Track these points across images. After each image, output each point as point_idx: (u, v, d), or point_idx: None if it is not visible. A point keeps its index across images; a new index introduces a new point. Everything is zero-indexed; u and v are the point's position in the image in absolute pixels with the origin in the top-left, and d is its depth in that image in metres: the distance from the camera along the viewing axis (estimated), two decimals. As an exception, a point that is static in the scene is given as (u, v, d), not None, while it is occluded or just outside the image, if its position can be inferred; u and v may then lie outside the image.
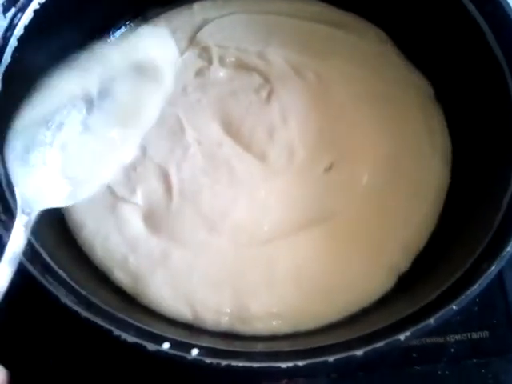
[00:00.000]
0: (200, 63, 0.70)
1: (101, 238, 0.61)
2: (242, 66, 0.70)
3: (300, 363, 0.47)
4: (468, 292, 0.49)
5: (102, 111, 0.63)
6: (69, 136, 0.61)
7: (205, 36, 0.71)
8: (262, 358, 0.48)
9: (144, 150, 0.64)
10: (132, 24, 0.73)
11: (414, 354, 0.62)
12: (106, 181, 0.63)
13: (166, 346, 0.47)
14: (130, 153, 0.64)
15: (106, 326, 0.47)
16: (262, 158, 0.65)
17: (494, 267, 0.50)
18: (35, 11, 0.60)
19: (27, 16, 0.59)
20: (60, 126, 0.60)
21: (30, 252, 0.51)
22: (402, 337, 0.48)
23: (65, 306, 0.48)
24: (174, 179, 0.63)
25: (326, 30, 0.71)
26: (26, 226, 0.52)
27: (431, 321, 0.48)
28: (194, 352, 0.47)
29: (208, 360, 0.47)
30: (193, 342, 0.49)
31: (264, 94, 0.68)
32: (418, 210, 0.63)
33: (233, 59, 0.70)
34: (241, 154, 0.65)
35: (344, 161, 0.65)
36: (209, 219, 0.61)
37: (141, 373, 0.61)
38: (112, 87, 0.63)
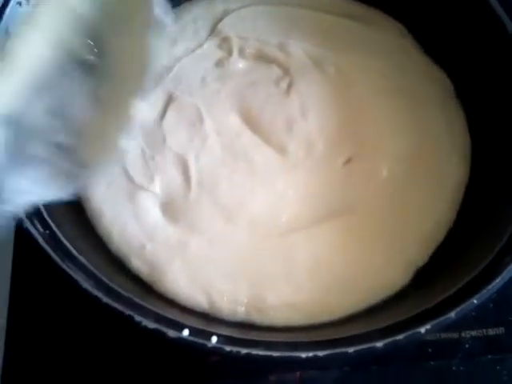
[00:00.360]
0: (220, 54, 0.70)
1: (119, 226, 0.61)
2: (261, 58, 0.70)
3: (320, 353, 0.47)
4: (490, 286, 0.49)
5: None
6: None
7: (225, 26, 0.71)
8: (282, 348, 0.48)
9: (163, 139, 0.64)
10: (153, 13, 0.73)
11: (429, 349, 0.62)
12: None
13: (185, 333, 0.47)
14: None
15: (127, 311, 0.47)
16: (280, 149, 0.64)
17: (516, 261, 0.50)
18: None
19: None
20: None
21: (51, 238, 0.51)
22: (422, 329, 0.48)
23: (85, 292, 0.48)
24: (193, 169, 0.63)
25: (347, 24, 0.72)
26: None
27: (452, 314, 0.48)
28: (214, 340, 0.47)
29: (228, 348, 0.47)
30: (210, 329, 0.49)
31: (283, 86, 0.68)
32: (436, 205, 0.63)
33: (253, 51, 0.70)
34: (259, 146, 0.65)
35: (363, 154, 0.64)
36: (226, 210, 0.61)
37: (151, 360, 0.62)
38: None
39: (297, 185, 0.63)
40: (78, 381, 0.61)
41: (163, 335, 0.47)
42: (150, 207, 0.62)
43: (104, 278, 0.51)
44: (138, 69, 0.53)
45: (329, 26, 0.71)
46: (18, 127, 0.49)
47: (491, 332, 0.63)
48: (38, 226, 0.51)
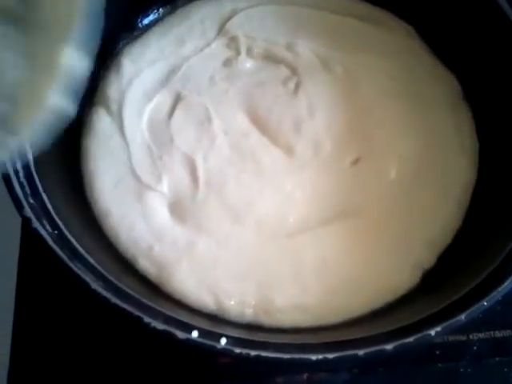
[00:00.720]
0: (228, 53, 0.70)
1: (126, 225, 0.61)
2: (269, 58, 0.70)
3: (330, 356, 0.46)
4: (500, 288, 0.49)
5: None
6: None
7: (234, 26, 0.71)
8: (291, 350, 0.47)
9: (171, 139, 0.64)
10: (161, 12, 0.73)
11: (436, 352, 0.62)
12: None
13: (195, 334, 0.47)
14: None
15: (136, 312, 0.47)
16: (288, 150, 0.64)
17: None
18: (66, -4, 0.59)
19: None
20: None
21: (59, 237, 0.51)
22: (432, 332, 0.47)
23: (94, 293, 0.48)
24: (201, 169, 0.63)
25: (355, 24, 0.71)
26: None
27: (462, 317, 0.48)
28: (223, 341, 0.47)
29: (237, 350, 0.47)
30: (219, 331, 0.49)
31: (291, 86, 0.68)
32: (444, 207, 0.63)
33: (261, 50, 0.70)
34: (267, 146, 0.65)
35: (371, 155, 0.64)
36: (234, 210, 0.61)
37: (159, 361, 0.61)
38: None
39: (304, 185, 0.63)
40: (85, 382, 0.61)
41: (172, 336, 0.47)
42: (158, 207, 0.61)
43: (113, 279, 0.51)
44: (66, 13, 0.46)
45: (336, 26, 0.71)
46: None
47: (498, 334, 0.63)
48: (47, 227, 0.50)
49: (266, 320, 0.58)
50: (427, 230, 0.62)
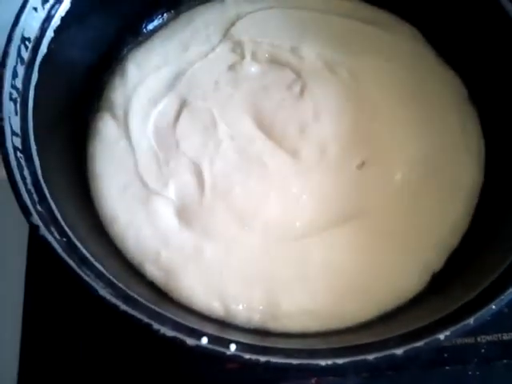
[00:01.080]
0: (233, 58, 0.70)
1: (133, 231, 0.61)
2: (274, 62, 0.70)
3: (339, 361, 0.46)
4: (508, 291, 0.49)
5: None
6: None
7: (238, 30, 0.71)
8: (300, 355, 0.47)
9: (177, 144, 0.64)
10: (165, 17, 0.73)
11: (445, 354, 0.62)
12: None
13: (204, 340, 0.47)
14: None
15: (146, 319, 0.47)
16: (294, 154, 0.64)
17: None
18: (72, 2, 0.60)
19: (64, 7, 0.60)
20: None
21: (67, 244, 0.51)
22: (441, 336, 0.47)
23: (103, 300, 0.48)
24: (207, 174, 0.63)
25: (360, 27, 0.71)
26: None
27: (471, 320, 0.48)
28: (233, 347, 0.47)
29: (247, 356, 0.46)
30: (227, 337, 0.49)
31: (296, 89, 0.68)
32: (451, 209, 0.63)
33: (266, 54, 0.70)
34: (273, 150, 0.65)
35: (377, 158, 0.64)
36: (241, 215, 0.61)
37: (165, 365, 0.62)
38: None
39: (311, 189, 0.63)
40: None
41: (181, 343, 0.47)
42: (165, 212, 0.61)
43: (121, 285, 0.51)
44: None
45: (341, 29, 0.71)
46: None
47: (506, 337, 0.63)
48: (55, 234, 0.50)
49: (273, 325, 0.57)
50: (435, 232, 0.62)
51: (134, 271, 0.60)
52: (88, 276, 0.49)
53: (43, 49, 0.58)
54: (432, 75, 0.69)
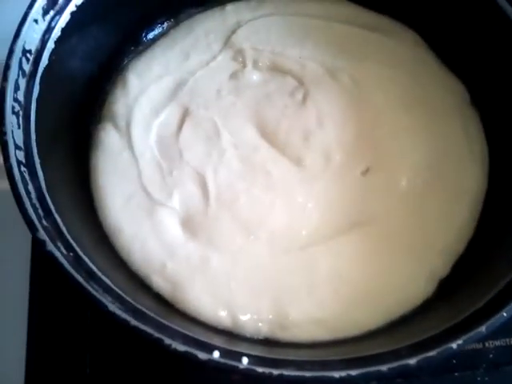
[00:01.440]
0: (234, 66, 0.69)
1: (138, 243, 0.60)
2: (276, 69, 0.69)
3: (353, 372, 0.46)
4: (519, 298, 0.49)
5: None
6: None
7: (239, 38, 0.70)
8: (313, 367, 0.47)
9: (180, 154, 0.64)
10: (165, 26, 0.72)
11: (453, 361, 0.62)
12: None
13: (216, 354, 0.46)
14: None
15: (156, 334, 0.46)
16: (298, 162, 0.64)
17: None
18: (72, 13, 0.59)
19: (64, 18, 0.59)
20: None
21: (74, 259, 0.50)
22: (454, 345, 0.47)
23: (112, 315, 0.47)
24: (211, 184, 0.62)
25: (362, 33, 0.71)
26: None
27: (483, 328, 0.48)
28: (245, 361, 0.46)
29: (260, 369, 0.46)
30: (238, 349, 0.49)
31: (299, 97, 0.67)
32: (456, 215, 0.63)
33: (267, 62, 0.69)
34: (277, 158, 0.64)
35: (381, 164, 0.64)
36: (246, 224, 0.61)
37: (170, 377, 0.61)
38: None
39: (316, 197, 0.63)
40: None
41: (194, 357, 0.46)
42: (170, 223, 0.61)
43: (129, 299, 0.50)
44: None
45: (343, 35, 0.71)
46: None
47: (514, 341, 0.63)
48: (62, 249, 0.50)
49: (282, 335, 0.57)
50: (441, 238, 0.62)
51: (140, 283, 0.59)
52: (96, 291, 0.49)
53: (44, 60, 0.57)
54: (434, 81, 0.69)
